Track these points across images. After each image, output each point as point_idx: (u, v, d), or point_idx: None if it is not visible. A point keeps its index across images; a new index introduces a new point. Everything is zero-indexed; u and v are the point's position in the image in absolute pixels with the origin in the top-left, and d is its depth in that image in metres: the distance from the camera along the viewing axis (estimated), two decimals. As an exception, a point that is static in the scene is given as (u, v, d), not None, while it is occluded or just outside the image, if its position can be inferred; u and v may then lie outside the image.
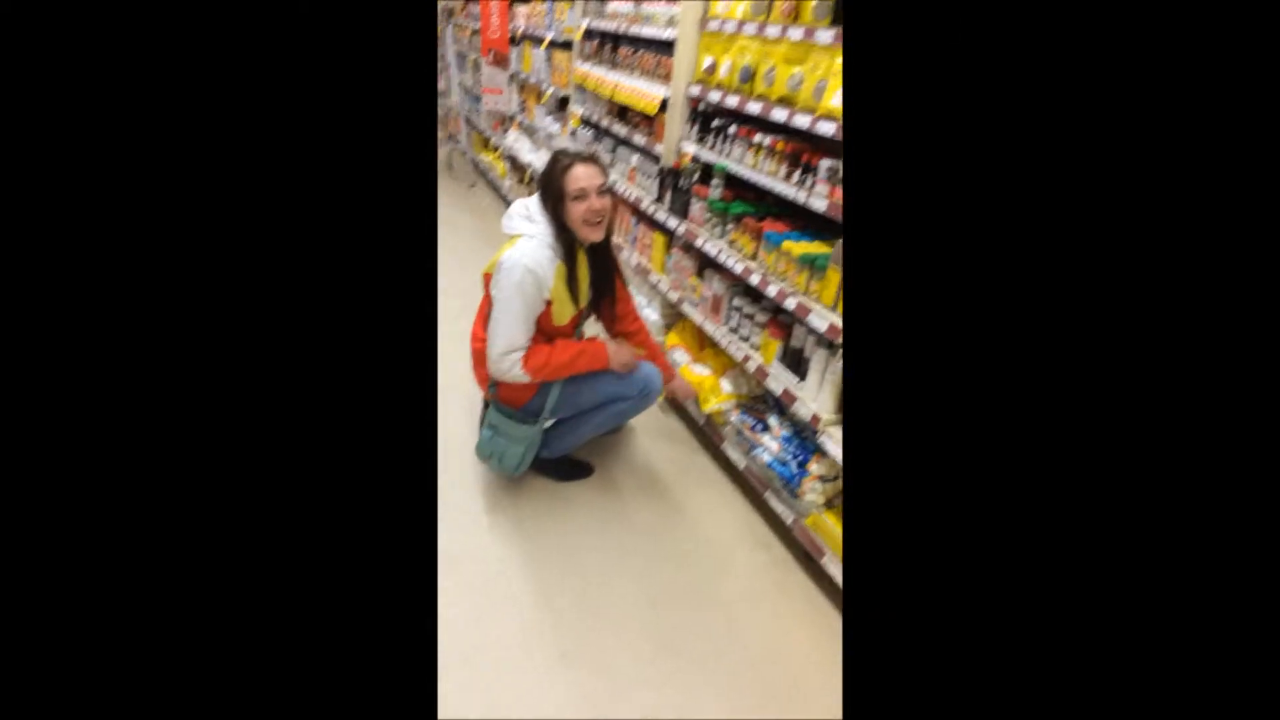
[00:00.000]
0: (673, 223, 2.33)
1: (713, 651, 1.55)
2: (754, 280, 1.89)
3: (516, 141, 4.21)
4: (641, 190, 2.64)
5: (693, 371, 2.26)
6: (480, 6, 4.20)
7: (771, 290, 1.82)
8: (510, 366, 1.76)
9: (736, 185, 2.18)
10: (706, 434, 2.28)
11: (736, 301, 2.08)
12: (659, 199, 2.46)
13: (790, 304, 1.74)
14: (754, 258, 1.95)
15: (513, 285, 1.71)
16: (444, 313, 2.78)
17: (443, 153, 5.56)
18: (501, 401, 1.87)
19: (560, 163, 1.74)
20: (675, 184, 2.34)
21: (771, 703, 1.45)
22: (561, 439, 1.96)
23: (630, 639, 1.57)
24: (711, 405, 2.13)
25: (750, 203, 2.13)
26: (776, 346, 1.88)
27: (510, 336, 1.75)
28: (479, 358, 1.90)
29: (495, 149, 4.86)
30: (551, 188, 1.74)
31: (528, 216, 1.79)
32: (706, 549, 1.87)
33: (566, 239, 1.76)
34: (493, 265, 1.78)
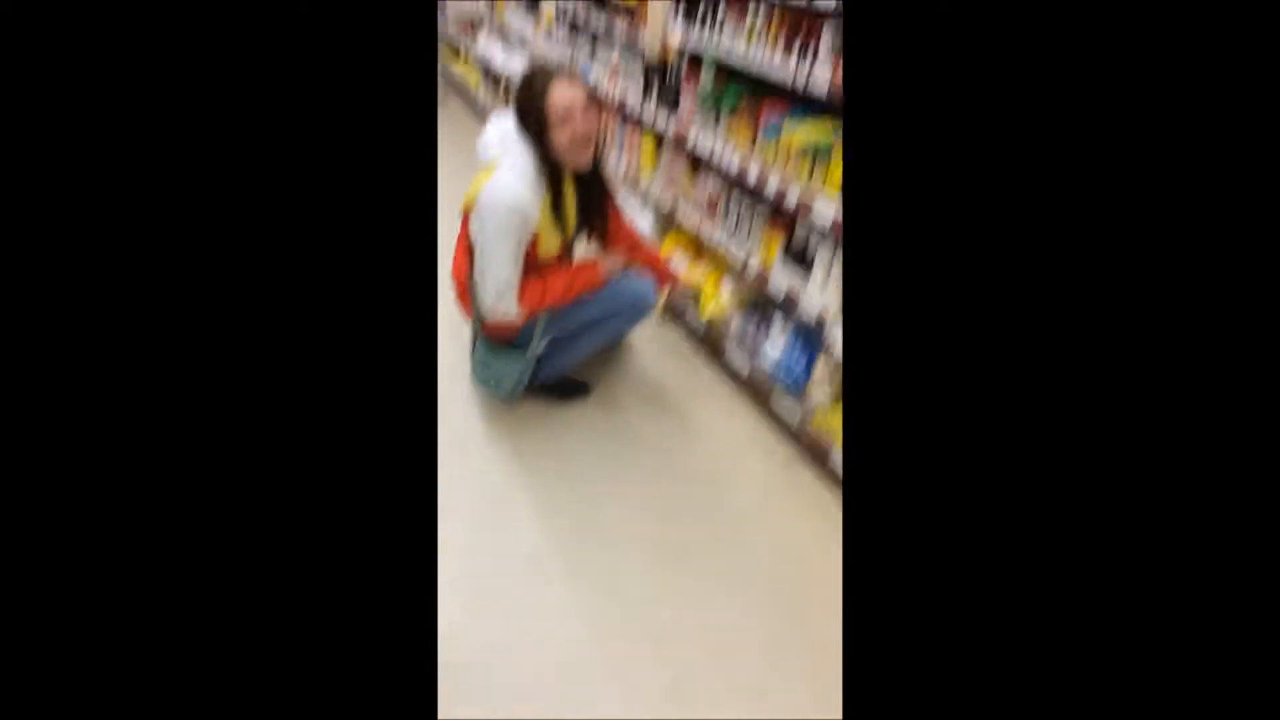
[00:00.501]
0: (661, 122, 2.16)
1: (724, 561, 1.53)
2: (752, 176, 1.75)
3: (488, 47, 3.92)
4: (625, 89, 2.45)
5: (689, 274, 2.15)
6: (436, -106, 3.81)
7: (772, 185, 1.69)
8: (506, 309, 1.66)
9: (730, 74, 2.01)
10: (707, 342, 2.20)
11: (734, 200, 1.94)
12: (645, 97, 2.28)
13: (792, 199, 1.61)
14: (751, 150, 1.80)
15: (497, 229, 1.57)
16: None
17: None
18: (489, 336, 1.78)
19: (536, 83, 1.56)
20: (662, 78, 2.15)
21: (784, 604, 1.43)
22: (555, 360, 1.87)
23: (638, 555, 1.53)
24: (711, 311, 2.04)
25: (745, 84, 1.96)
26: (778, 244, 1.77)
27: (501, 281, 1.63)
28: (462, 289, 1.79)
29: (466, 58, 4.55)
30: (530, 113, 1.57)
31: (504, 142, 1.63)
32: (712, 459, 1.82)
33: (551, 167, 1.61)
34: (471, 200, 1.63)
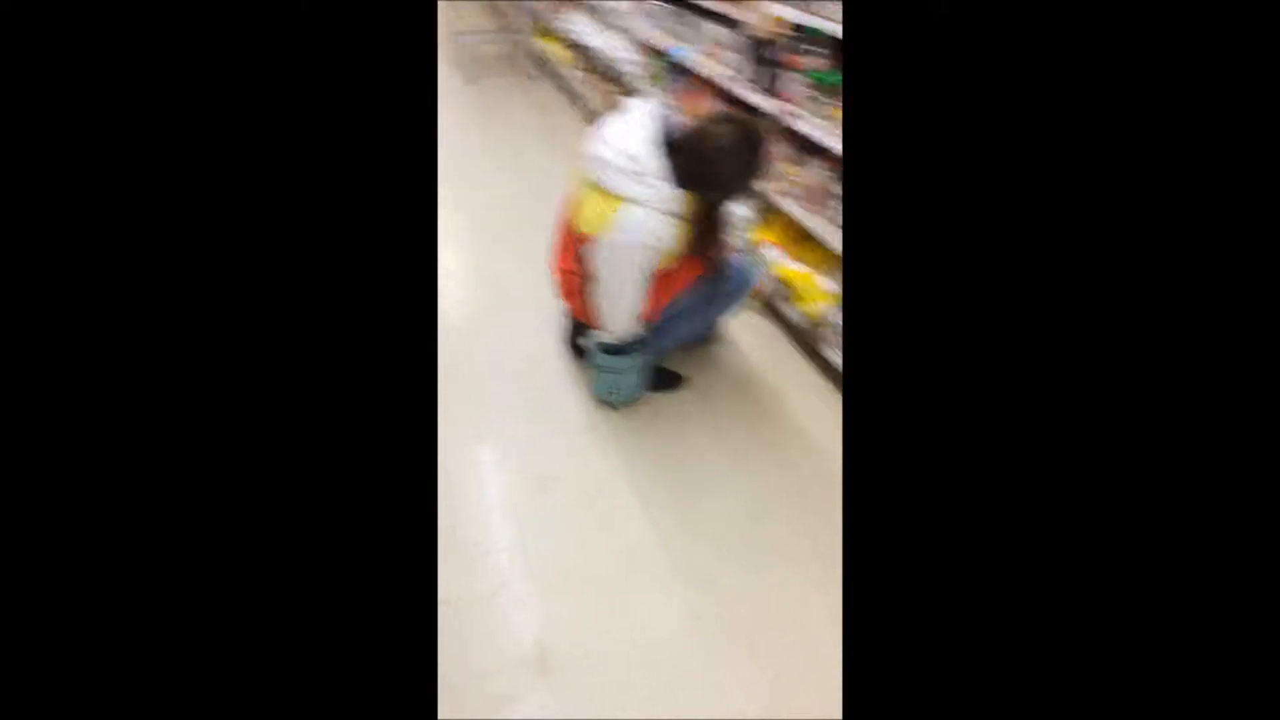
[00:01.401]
0: (764, 103, 2.08)
1: (817, 559, 1.49)
2: (864, 164, 1.66)
3: (579, 24, 3.88)
4: (725, 68, 2.37)
5: (787, 267, 2.08)
6: None
7: None
8: (630, 329, 1.72)
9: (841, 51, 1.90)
10: (804, 336, 2.13)
11: (840, 189, 1.86)
12: (746, 76, 2.20)
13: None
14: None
15: (632, 266, 1.59)
16: (516, 215, 2.67)
17: (502, 46, 5.25)
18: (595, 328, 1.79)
19: (740, 150, 1.56)
20: (765, 56, 2.07)
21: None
22: (664, 336, 1.87)
23: (734, 552, 1.52)
24: (810, 305, 1.97)
25: None
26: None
27: (632, 308, 1.67)
28: (569, 285, 1.81)
29: (556, 35, 4.53)
30: (719, 174, 1.57)
31: (637, 173, 1.55)
32: (807, 455, 1.77)
33: (701, 198, 1.59)
34: (592, 226, 1.61)
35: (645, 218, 1.54)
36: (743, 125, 1.59)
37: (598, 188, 1.61)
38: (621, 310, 1.66)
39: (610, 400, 1.87)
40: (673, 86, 2.78)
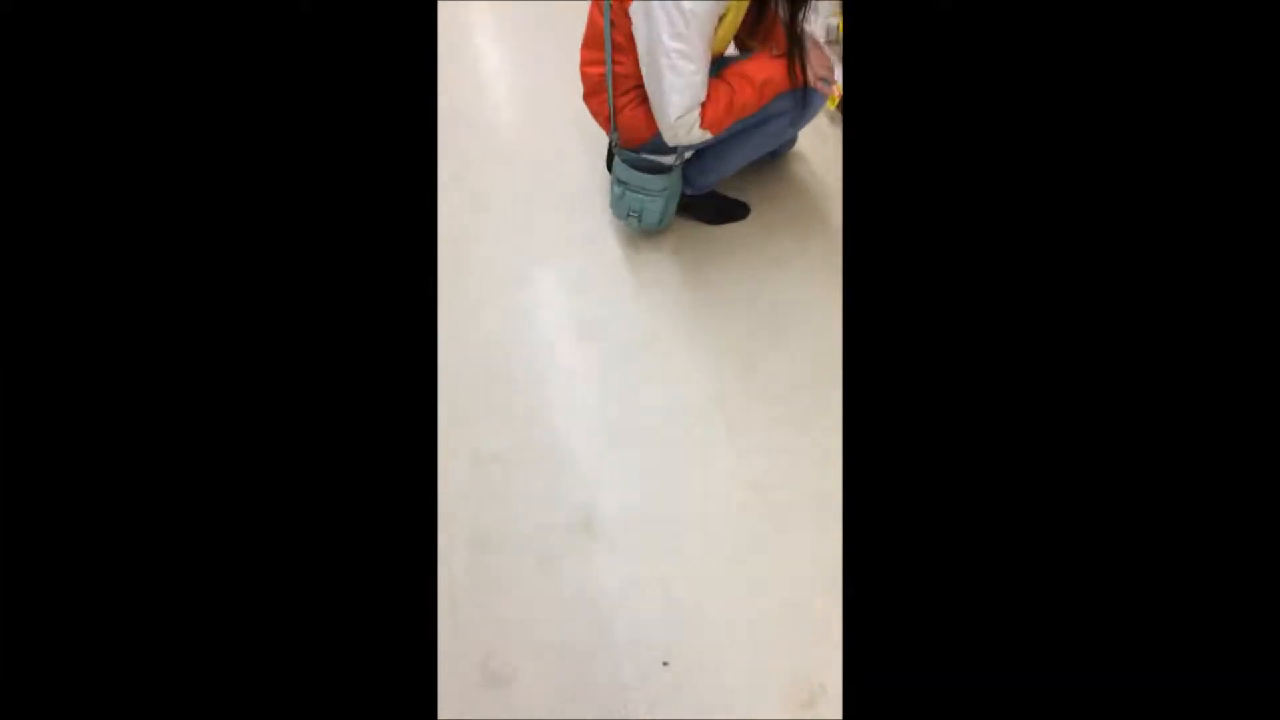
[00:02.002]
0: None
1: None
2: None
3: None
4: None
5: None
6: None
7: None
8: (689, 129, 1.33)
9: None
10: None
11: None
12: None
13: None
14: None
15: (690, 13, 1.19)
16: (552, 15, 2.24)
17: None
18: (624, 144, 1.49)
19: None
20: None
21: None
22: (706, 172, 1.59)
23: (795, 414, 1.39)
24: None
25: None
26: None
27: (693, 86, 1.27)
28: (593, 85, 1.48)
29: None
30: None
31: None
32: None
33: None
34: None
35: None
36: None
37: None
38: (681, 84, 1.25)
39: (630, 224, 1.61)
40: None
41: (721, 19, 1.27)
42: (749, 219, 1.73)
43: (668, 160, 1.49)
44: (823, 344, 1.49)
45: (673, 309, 1.58)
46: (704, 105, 1.32)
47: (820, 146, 1.87)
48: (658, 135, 1.44)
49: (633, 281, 1.63)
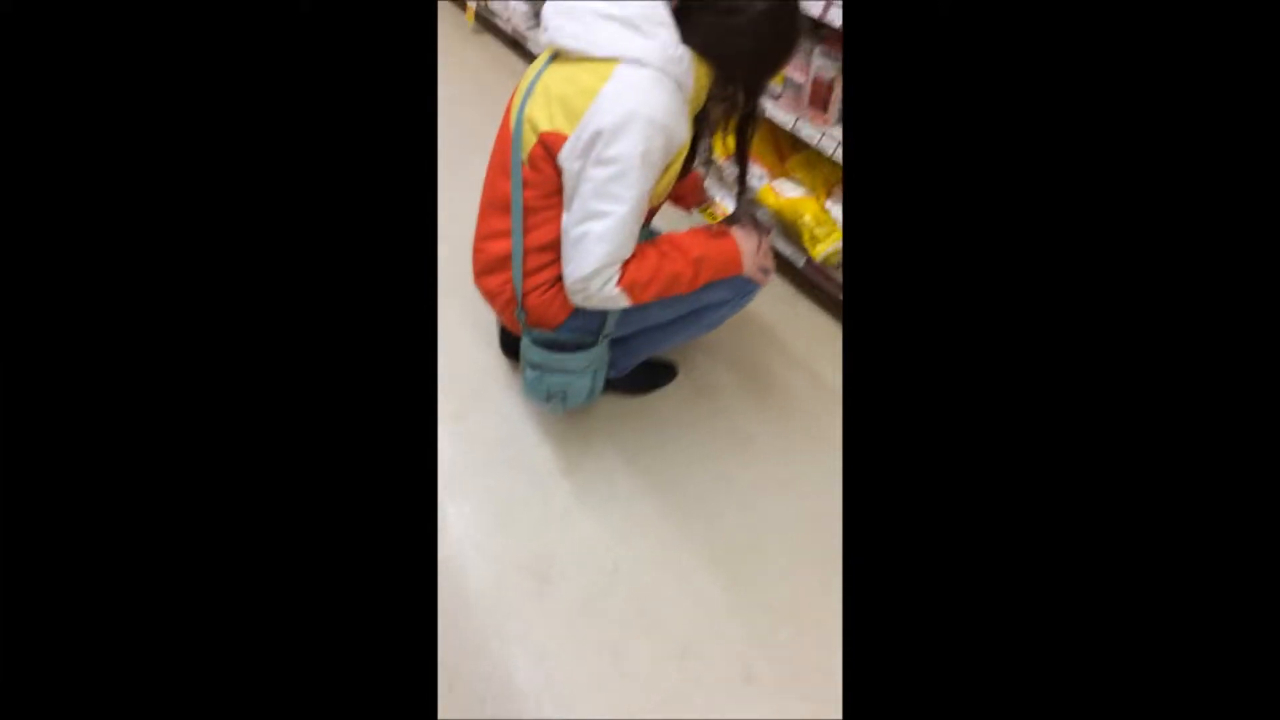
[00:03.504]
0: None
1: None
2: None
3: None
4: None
5: (779, 195, 1.58)
6: None
7: None
8: (601, 285, 1.06)
9: None
10: (810, 279, 1.68)
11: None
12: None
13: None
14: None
15: (633, 156, 0.97)
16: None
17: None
18: (532, 325, 1.22)
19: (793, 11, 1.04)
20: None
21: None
22: (633, 355, 1.35)
23: (792, 575, 1.16)
24: (824, 247, 1.50)
25: None
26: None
27: (617, 242, 1.03)
28: (490, 263, 1.19)
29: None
30: (754, 35, 1.02)
31: (629, 22, 0.98)
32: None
33: (721, 75, 1.06)
34: (562, 114, 1.01)
35: (638, 79, 0.97)
36: None
37: (566, 57, 1.03)
38: (608, 236, 1.02)
39: (553, 408, 1.33)
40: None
41: (667, 168, 1.06)
42: (680, 378, 1.51)
43: (590, 339, 1.23)
44: (794, 494, 1.28)
45: (615, 511, 1.29)
46: (627, 263, 1.08)
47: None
48: (572, 321, 1.18)
49: (560, 475, 1.33)
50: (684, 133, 1.02)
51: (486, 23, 2.89)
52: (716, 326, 1.31)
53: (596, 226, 1.01)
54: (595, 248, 1.02)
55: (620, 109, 0.95)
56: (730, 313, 1.28)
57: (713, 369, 1.54)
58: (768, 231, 1.26)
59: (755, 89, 1.10)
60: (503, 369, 1.50)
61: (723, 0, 0.98)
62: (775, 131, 1.64)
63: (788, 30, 1.03)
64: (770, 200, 1.57)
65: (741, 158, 1.23)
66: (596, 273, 1.04)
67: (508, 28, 2.64)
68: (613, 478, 1.35)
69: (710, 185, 1.78)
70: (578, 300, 1.11)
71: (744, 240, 1.18)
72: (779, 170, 1.64)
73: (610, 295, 1.08)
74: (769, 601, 1.18)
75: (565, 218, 1.07)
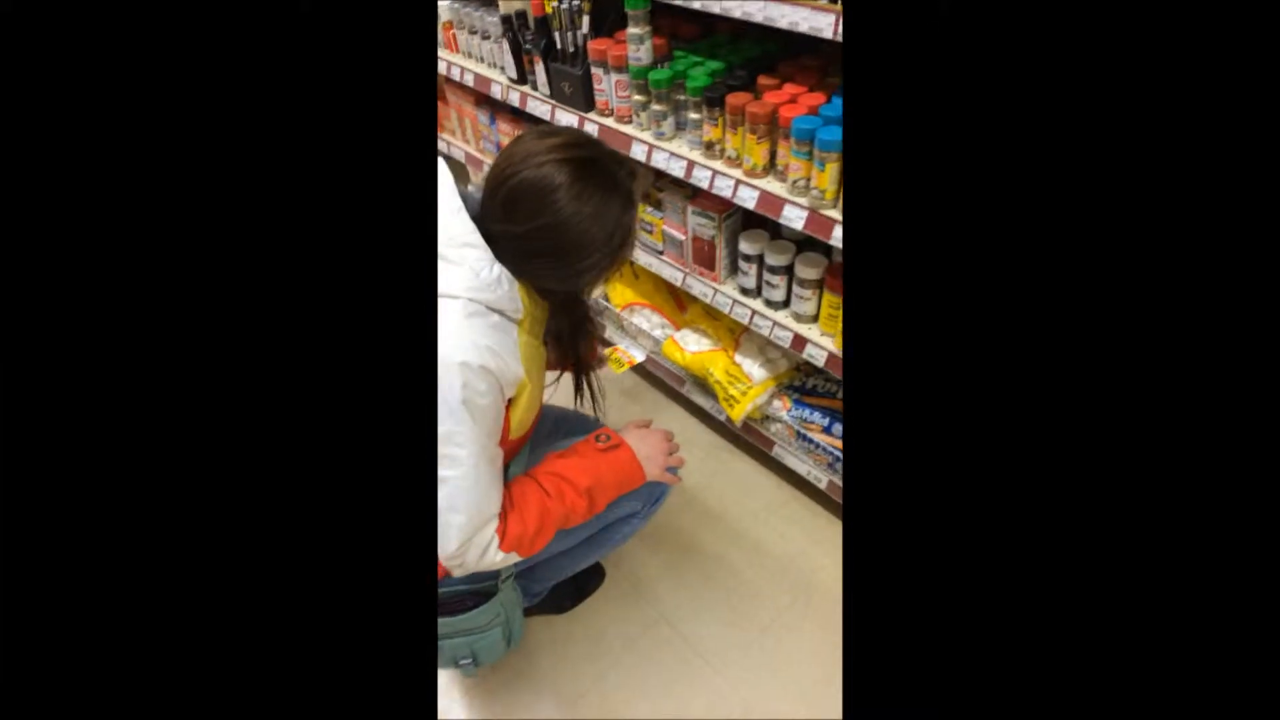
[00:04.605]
0: (573, 117, 1.33)
1: None
2: (775, 208, 1.03)
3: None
4: (482, 63, 1.55)
5: (684, 349, 1.43)
6: None
7: (798, 218, 0.98)
8: (480, 555, 0.87)
9: (681, 17, 1.20)
10: (742, 436, 1.53)
11: (747, 247, 1.20)
12: (519, 73, 1.42)
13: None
14: (767, 168, 1.06)
15: (455, 408, 0.79)
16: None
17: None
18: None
19: (620, 179, 0.85)
20: (547, 49, 1.30)
21: None
22: (542, 581, 1.16)
23: None
24: (743, 408, 1.35)
25: (733, 48, 1.18)
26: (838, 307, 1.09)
27: (472, 503, 0.84)
28: None
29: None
30: (572, 234, 0.82)
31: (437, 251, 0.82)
32: (805, 610, 1.22)
33: (546, 288, 0.91)
34: None
35: (460, 319, 0.79)
36: (581, 145, 0.84)
37: None
38: (456, 508, 0.84)
39: (466, 671, 1.12)
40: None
41: (514, 399, 0.89)
42: (608, 582, 1.32)
43: (488, 584, 1.03)
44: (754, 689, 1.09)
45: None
46: (504, 516, 0.90)
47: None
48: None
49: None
50: (516, 367, 0.85)
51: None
52: (630, 538, 1.13)
53: (442, 495, 0.83)
54: (451, 519, 0.83)
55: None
56: (643, 522, 1.11)
57: (645, 561, 1.36)
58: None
59: (574, 300, 0.97)
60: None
61: (533, 204, 0.80)
62: (660, 285, 1.50)
63: (612, 218, 0.84)
64: (676, 356, 1.43)
65: (580, 380, 1.09)
66: (464, 545, 0.85)
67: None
68: None
69: (610, 332, 1.63)
70: (462, 574, 0.92)
71: (640, 443, 1.01)
72: (680, 320, 1.50)
73: (496, 561, 0.89)
74: None
75: None
